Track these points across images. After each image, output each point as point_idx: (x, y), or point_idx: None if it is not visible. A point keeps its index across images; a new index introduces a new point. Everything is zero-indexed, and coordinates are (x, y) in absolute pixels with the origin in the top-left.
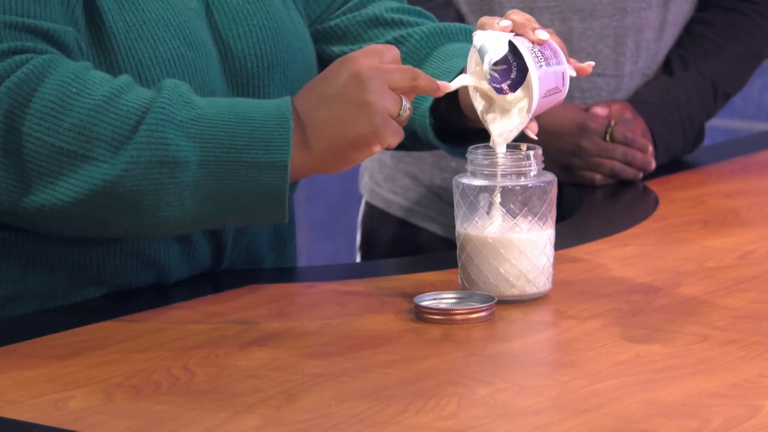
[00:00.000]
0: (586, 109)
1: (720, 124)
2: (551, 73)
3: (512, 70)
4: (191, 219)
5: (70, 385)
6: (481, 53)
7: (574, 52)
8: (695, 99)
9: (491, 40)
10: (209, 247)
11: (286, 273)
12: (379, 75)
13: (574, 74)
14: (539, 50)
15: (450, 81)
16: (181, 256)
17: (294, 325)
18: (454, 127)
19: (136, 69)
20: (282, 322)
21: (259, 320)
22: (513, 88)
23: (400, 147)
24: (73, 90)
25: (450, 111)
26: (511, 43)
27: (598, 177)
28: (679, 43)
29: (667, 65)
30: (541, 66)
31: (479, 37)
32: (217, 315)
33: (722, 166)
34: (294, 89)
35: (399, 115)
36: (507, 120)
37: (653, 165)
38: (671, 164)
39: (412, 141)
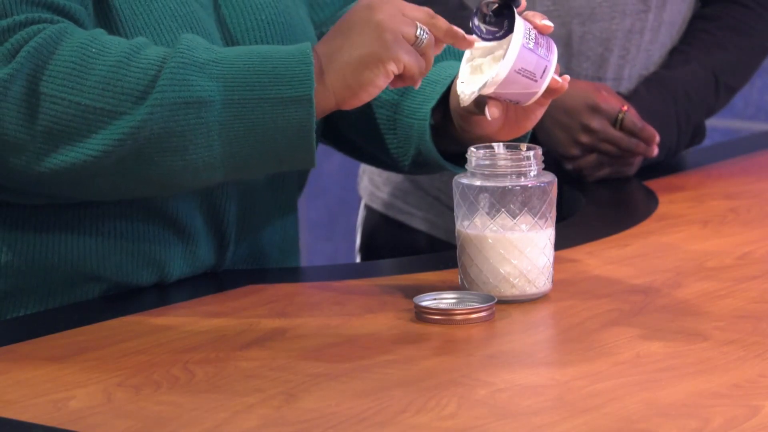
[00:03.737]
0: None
1: (720, 124)
2: (535, 56)
3: (500, 33)
4: (220, 162)
5: (70, 385)
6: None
7: (573, 56)
8: (694, 93)
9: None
10: (212, 245)
11: (286, 273)
12: (392, 3)
13: (559, 80)
14: (535, 33)
15: (447, 87)
16: (183, 253)
17: (294, 325)
18: (442, 147)
19: None
20: (282, 322)
21: (259, 320)
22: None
23: (384, 161)
24: (93, 50)
25: (444, 123)
26: (510, 8)
27: (603, 171)
28: (682, 40)
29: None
30: (528, 43)
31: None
32: (217, 315)
33: (722, 166)
34: None
35: (416, 38)
36: (476, 76)
37: (655, 152)
38: (671, 164)
39: (400, 152)
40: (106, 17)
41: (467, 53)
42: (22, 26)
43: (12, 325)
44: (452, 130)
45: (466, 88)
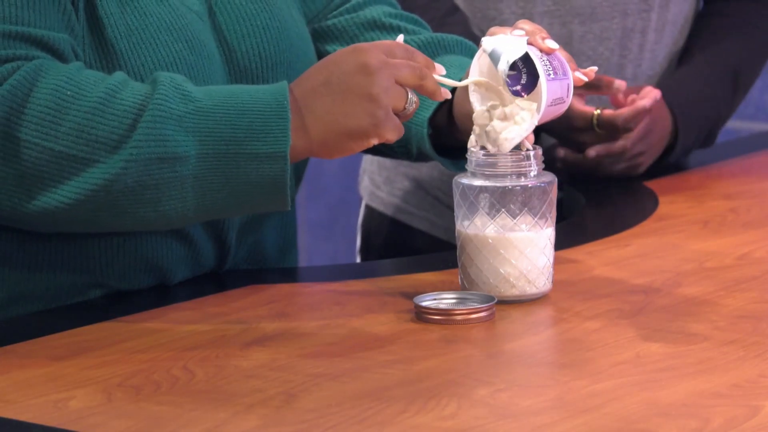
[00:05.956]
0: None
1: None
2: (558, 83)
3: (522, 77)
4: (193, 212)
5: (70, 385)
6: (494, 56)
7: (574, 55)
8: (719, 93)
9: (504, 44)
10: (213, 250)
11: (286, 273)
12: (388, 69)
13: (580, 80)
14: (548, 60)
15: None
16: (185, 259)
17: (294, 325)
18: (446, 141)
19: (139, 73)
20: (282, 322)
21: (259, 320)
22: (524, 92)
23: (389, 155)
24: (68, 93)
25: (445, 124)
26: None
27: (620, 167)
28: (696, 38)
29: (680, 62)
30: (549, 75)
31: (489, 42)
32: (218, 315)
33: (722, 166)
34: None
35: (404, 108)
36: (512, 125)
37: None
38: (671, 164)
39: (403, 151)
40: (101, 35)
41: (472, 80)
42: None
43: (12, 325)
44: (458, 135)
45: (504, 135)
